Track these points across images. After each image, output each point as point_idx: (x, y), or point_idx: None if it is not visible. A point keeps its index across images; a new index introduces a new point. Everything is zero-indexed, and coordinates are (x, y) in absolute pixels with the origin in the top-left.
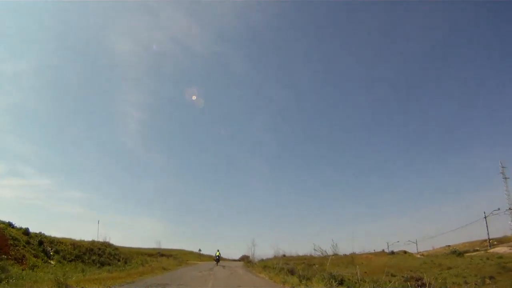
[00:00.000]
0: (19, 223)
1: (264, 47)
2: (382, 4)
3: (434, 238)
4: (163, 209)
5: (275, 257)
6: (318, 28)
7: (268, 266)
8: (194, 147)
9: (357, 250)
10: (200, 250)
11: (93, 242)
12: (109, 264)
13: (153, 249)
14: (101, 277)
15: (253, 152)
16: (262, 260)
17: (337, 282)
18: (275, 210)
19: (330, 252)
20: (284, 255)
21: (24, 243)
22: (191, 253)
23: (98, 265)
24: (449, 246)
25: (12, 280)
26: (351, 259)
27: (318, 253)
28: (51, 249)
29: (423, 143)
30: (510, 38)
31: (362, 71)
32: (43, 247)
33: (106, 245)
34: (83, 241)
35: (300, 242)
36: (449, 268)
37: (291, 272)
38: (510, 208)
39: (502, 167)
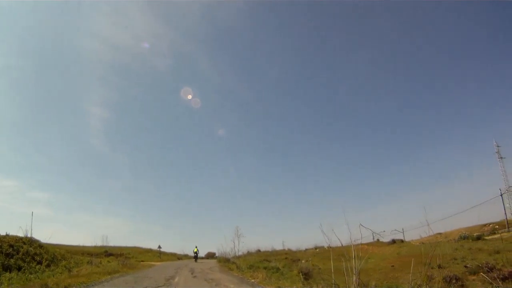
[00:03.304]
0: None
1: (235, 46)
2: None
3: (421, 227)
4: (130, 208)
5: (249, 253)
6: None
7: (256, 266)
8: (161, 144)
9: (333, 243)
10: (160, 247)
11: (4, 237)
12: (18, 269)
13: (102, 247)
14: None
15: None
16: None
17: None
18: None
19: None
20: (259, 250)
21: None
22: (149, 251)
23: None
24: (440, 233)
25: None
26: (341, 252)
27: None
28: None
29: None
30: None
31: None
32: None
33: (24, 241)
34: None
35: (265, 237)
36: (497, 252)
37: (305, 274)
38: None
39: (497, 146)
